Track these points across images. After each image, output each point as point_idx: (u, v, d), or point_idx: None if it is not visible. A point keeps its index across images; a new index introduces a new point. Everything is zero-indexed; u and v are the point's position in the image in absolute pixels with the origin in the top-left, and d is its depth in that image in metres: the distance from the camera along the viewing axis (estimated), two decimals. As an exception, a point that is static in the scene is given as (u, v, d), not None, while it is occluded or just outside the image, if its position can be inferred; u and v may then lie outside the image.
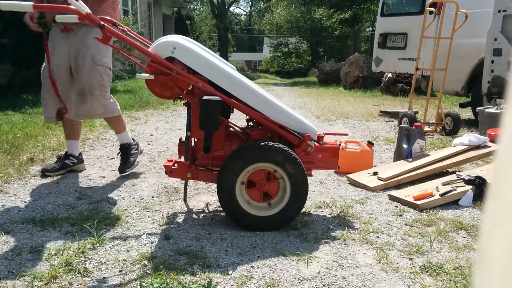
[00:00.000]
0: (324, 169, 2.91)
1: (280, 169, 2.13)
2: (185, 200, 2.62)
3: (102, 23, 2.08)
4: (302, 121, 2.31)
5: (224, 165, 2.13)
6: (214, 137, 2.20)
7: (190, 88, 2.26)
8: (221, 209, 2.51)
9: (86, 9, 2.17)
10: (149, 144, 4.19)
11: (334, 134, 2.87)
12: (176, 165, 2.35)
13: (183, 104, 2.38)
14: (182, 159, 2.36)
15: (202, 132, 2.19)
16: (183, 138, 2.37)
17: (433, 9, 4.90)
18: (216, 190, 2.80)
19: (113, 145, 4.07)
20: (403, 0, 7.93)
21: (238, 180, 2.13)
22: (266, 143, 2.10)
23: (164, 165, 2.38)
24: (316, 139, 2.32)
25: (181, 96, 2.27)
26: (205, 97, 2.07)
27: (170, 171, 2.32)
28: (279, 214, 2.17)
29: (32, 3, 2.11)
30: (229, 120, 2.33)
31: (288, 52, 32.55)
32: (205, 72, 2.16)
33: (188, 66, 2.15)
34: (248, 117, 2.42)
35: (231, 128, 2.36)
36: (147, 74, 2.11)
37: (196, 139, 2.34)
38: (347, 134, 2.92)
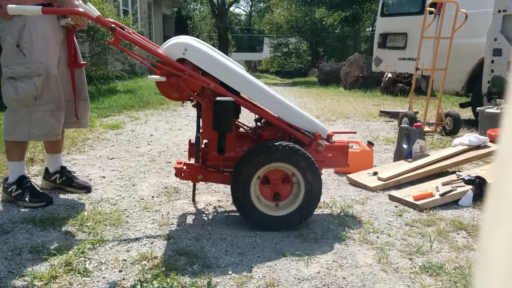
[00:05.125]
0: (334, 168, 2.95)
1: (300, 174, 2.14)
2: (193, 200, 2.63)
3: (113, 25, 2.07)
4: (313, 120, 2.32)
5: (247, 155, 2.12)
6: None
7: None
8: (221, 209, 2.52)
9: (96, 12, 2.16)
10: (149, 144, 4.19)
11: (343, 133, 2.92)
12: (186, 167, 2.35)
13: (193, 105, 2.38)
14: (192, 161, 2.36)
15: (213, 133, 2.19)
16: (193, 140, 2.37)
17: (433, 9, 4.90)
18: (216, 190, 2.82)
19: (113, 145, 4.07)
20: (403, 0, 7.93)
21: (257, 173, 2.14)
22: (294, 146, 2.11)
23: (174, 167, 2.37)
24: (326, 138, 2.33)
25: (191, 98, 2.26)
26: (219, 98, 2.07)
27: (180, 174, 2.32)
28: (285, 218, 2.18)
29: (41, 7, 2.09)
30: (238, 120, 2.33)
31: (288, 52, 32.53)
32: (217, 73, 2.15)
33: (198, 67, 2.15)
34: (256, 117, 2.43)
35: (241, 129, 2.37)
36: (158, 76, 2.10)
37: (206, 141, 2.34)
38: (355, 132, 2.95)
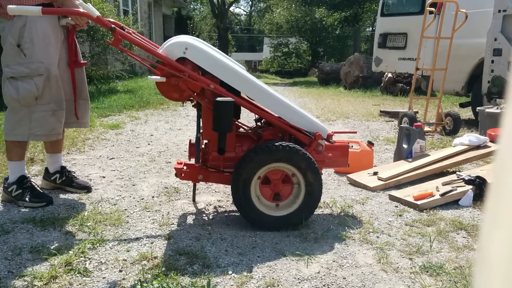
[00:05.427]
0: (334, 168, 2.96)
1: (300, 175, 2.14)
2: (194, 200, 2.63)
3: (113, 26, 2.07)
4: (313, 120, 2.32)
5: (248, 155, 2.12)
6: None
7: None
8: (221, 209, 2.52)
9: (96, 12, 2.16)
10: (149, 144, 4.19)
11: (343, 133, 2.92)
12: (186, 167, 2.35)
13: (193, 105, 2.38)
14: (192, 161, 2.36)
15: (213, 133, 2.19)
16: (193, 140, 2.37)
17: (433, 9, 4.89)
18: (216, 190, 2.82)
19: (113, 145, 4.07)
20: (403, 0, 7.93)
21: (257, 173, 2.14)
22: (295, 146, 2.11)
23: (174, 168, 2.37)
24: (326, 138, 2.33)
25: (191, 98, 2.26)
26: (219, 98, 2.07)
27: (181, 174, 2.31)
28: (284, 218, 2.18)
29: (41, 7, 2.09)
30: (239, 120, 2.33)
31: (288, 52, 32.50)
32: (217, 72, 2.15)
33: (198, 67, 2.14)
34: (257, 117, 2.43)
35: (241, 129, 2.37)
36: (158, 77, 2.10)
37: (206, 141, 2.34)
38: (355, 132, 2.95)
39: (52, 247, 1.95)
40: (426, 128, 5.02)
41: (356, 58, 12.04)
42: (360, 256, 1.95)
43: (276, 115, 2.24)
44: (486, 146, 3.33)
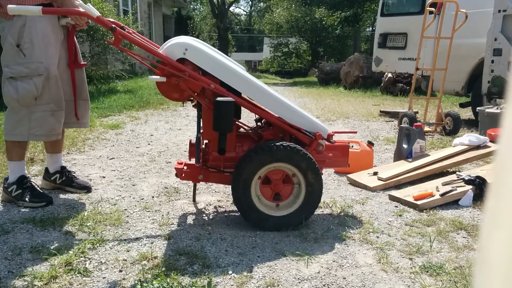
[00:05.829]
0: (334, 168, 2.97)
1: (301, 175, 2.14)
2: (194, 200, 2.63)
3: (113, 25, 2.07)
4: (313, 120, 2.32)
5: (248, 155, 2.12)
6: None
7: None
8: (221, 209, 2.52)
9: (96, 12, 2.16)
10: (149, 144, 4.19)
11: (344, 133, 2.92)
12: (186, 167, 2.35)
13: (193, 106, 2.38)
14: (193, 161, 2.36)
15: (213, 133, 2.19)
16: (193, 140, 2.37)
17: (433, 9, 4.89)
18: (216, 190, 2.82)
19: (113, 145, 4.07)
20: (403, 0, 7.93)
21: (258, 173, 2.14)
22: (295, 146, 2.11)
23: (175, 168, 2.37)
24: (326, 138, 2.33)
25: (192, 98, 2.26)
26: (219, 98, 2.07)
27: (181, 174, 2.31)
28: (285, 218, 2.18)
29: (41, 7, 2.09)
30: (239, 120, 2.33)
31: (288, 52, 32.48)
32: (217, 73, 2.15)
33: (198, 67, 2.15)
34: (257, 117, 2.43)
35: (241, 129, 2.37)
36: (158, 77, 2.10)
37: (207, 141, 2.34)
38: (356, 132, 2.96)
39: (52, 247, 1.95)
40: (426, 128, 5.02)
41: (356, 58, 12.04)
42: (360, 256, 1.95)
43: (276, 115, 2.25)
44: (486, 146, 3.33)
